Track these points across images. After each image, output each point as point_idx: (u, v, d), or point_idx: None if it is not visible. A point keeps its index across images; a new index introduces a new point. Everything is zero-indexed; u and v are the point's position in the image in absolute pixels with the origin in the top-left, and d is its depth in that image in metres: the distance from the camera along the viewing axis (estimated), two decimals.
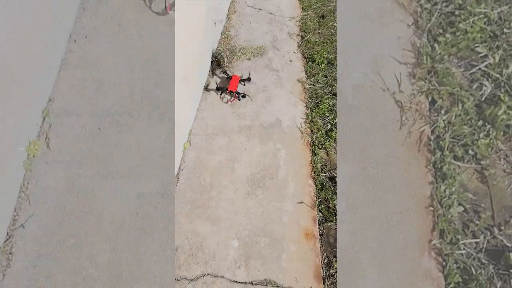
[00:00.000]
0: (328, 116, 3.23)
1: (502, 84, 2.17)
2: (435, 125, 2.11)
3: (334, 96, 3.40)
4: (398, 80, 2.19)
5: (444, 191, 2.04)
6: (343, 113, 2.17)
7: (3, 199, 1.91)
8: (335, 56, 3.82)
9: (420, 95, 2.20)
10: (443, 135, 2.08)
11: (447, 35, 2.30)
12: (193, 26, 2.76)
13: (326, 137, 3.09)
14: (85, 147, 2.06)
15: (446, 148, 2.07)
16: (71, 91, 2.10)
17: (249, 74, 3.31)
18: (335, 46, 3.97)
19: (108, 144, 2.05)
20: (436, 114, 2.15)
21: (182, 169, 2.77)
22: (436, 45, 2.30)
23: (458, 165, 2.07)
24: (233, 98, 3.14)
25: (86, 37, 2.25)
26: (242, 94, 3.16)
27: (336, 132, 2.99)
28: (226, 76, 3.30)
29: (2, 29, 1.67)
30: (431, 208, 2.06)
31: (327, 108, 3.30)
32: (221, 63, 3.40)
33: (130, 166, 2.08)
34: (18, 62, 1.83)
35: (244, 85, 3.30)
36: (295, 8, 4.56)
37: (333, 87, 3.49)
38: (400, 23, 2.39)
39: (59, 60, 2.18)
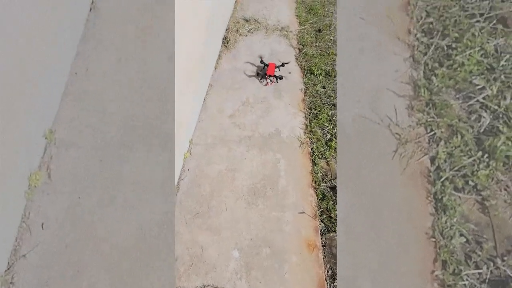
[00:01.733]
0: (327, 126, 3.27)
1: (501, 115, 2.19)
2: (434, 156, 2.11)
3: (333, 107, 3.45)
4: (396, 113, 2.21)
5: (445, 222, 2.02)
6: (343, 143, 2.19)
7: (4, 229, 1.88)
8: (333, 67, 3.92)
9: (418, 127, 2.22)
10: (443, 166, 2.08)
11: (444, 68, 2.34)
12: (191, 43, 2.85)
13: (326, 147, 3.11)
14: (86, 178, 2.06)
15: (446, 179, 2.06)
16: (73, 123, 2.12)
17: (284, 62, 3.80)
18: (332, 58, 4.08)
19: (109, 175, 2.04)
20: (435, 146, 2.15)
21: (182, 179, 2.75)
22: (433, 77, 2.34)
23: (459, 196, 2.05)
24: (272, 81, 3.67)
25: (87, 69, 2.27)
26: (279, 76, 3.66)
27: (336, 142, 3.01)
28: (263, 65, 3.73)
29: (2, 62, 1.68)
30: (433, 239, 2.03)
31: (326, 118, 3.34)
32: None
33: (131, 196, 2.06)
34: (20, 94, 1.83)
35: (280, 70, 3.75)
36: (293, 23, 4.72)
37: (332, 97, 3.56)
38: (397, 56, 2.44)
39: (61, 92, 2.20)
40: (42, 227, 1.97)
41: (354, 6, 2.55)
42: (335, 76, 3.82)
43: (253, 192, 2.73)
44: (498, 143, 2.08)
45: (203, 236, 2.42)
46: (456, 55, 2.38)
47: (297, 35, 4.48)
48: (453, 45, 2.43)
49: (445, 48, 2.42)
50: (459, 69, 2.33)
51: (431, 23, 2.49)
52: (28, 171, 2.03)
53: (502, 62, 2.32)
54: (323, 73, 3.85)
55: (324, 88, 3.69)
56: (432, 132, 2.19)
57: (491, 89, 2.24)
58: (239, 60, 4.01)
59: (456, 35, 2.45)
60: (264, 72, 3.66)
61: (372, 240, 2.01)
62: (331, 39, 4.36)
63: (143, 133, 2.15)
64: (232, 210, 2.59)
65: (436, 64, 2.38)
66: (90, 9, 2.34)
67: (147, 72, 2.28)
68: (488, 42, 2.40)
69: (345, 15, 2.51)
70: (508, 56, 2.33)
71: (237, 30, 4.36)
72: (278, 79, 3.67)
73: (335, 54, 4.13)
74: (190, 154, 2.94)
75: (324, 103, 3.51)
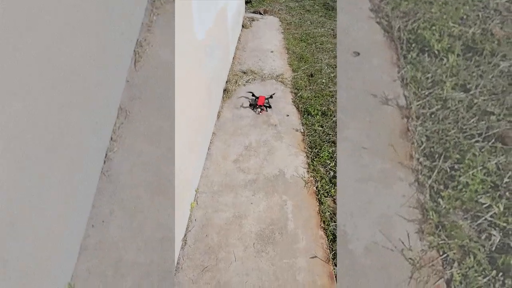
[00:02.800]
0: (330, 163, 3.32)
1: (510, 232, 2.15)
2: (450, 279, 2.04)
3: (333, 144, 3.54)
4: (408, 237, 2.19)
5: None
6: (357, 275, 2.10)
7: None
8: (328, 107, 4.13)
9: (431, 250, 2.16)
10: None
11: (450, 189, 2.34)
12: (194, 108, 3.08)
13: (330, 184, 3.11)
14: None
15: None
16: (90, 276, 2.11)
17: (272, 94, 4.46)
18: (326, 99, 4.32)
19: None
20: (449, 268, 2.09)
21: (189, 230, 2.72)
22: (440, 199, 2.32)
23: None
24: (262, 110, 4.22)
25: (103, 221, 2.32)
26: (268, 105, 4.26)
27: None
28: (254, 97, 4.35)
29: (18, 229, 1.66)
30: None
31: (327, 156, 3.41)
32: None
33: None
34: (37, 252, 1.84)
35: (268, 101, 4.33)
36: (287, 71, 5.12)
37: (330, 135, 3.67)
38: (402, 182, 2.45)
39: (78, 246, 2.23)
40: None
41: (355, 137, 2.66)
42: (331, 115, 4.00)
43: (262, 239, 2.66)
44: (511, 261, 2.01)
45: None
46: (459, 176, 2.38)
47: (291, 81, 4.83)
48: (456, 167, 2.44)
49: (448, 170, 2.44)
50: (464, 189, 2.32)
51: (432, 147, 2.56)
52: None
53: (506, 179, 2.33)
54: (320, 113, 4.04)
55: (322, 127, 3.84)
56: (445, 255, 2.14)
57: (498, 207, 2.22)
58: (240, 108, 4.27)
59: (458, 156, 2.47)
60: (255, 103, 4.24)
61: None
62: (323, 82, 4.67)
63: (159, 283, 2.10)
64: (242, 260, 2.50)
65: (441, 187, 2.38)
66: (104, 162, 2.49)
67: (161, 219, 2.34)
68: (489, 161, 2.41)
69: (346, 147, 2.60)
70: (510, 173, 2.35)
71: (236, 81, 4.74)
72: (267, 108, 4.24)
73: (329, 96, 4.39)
74: (197, 203, 2.96)
75: (324, 141, 3.61)
